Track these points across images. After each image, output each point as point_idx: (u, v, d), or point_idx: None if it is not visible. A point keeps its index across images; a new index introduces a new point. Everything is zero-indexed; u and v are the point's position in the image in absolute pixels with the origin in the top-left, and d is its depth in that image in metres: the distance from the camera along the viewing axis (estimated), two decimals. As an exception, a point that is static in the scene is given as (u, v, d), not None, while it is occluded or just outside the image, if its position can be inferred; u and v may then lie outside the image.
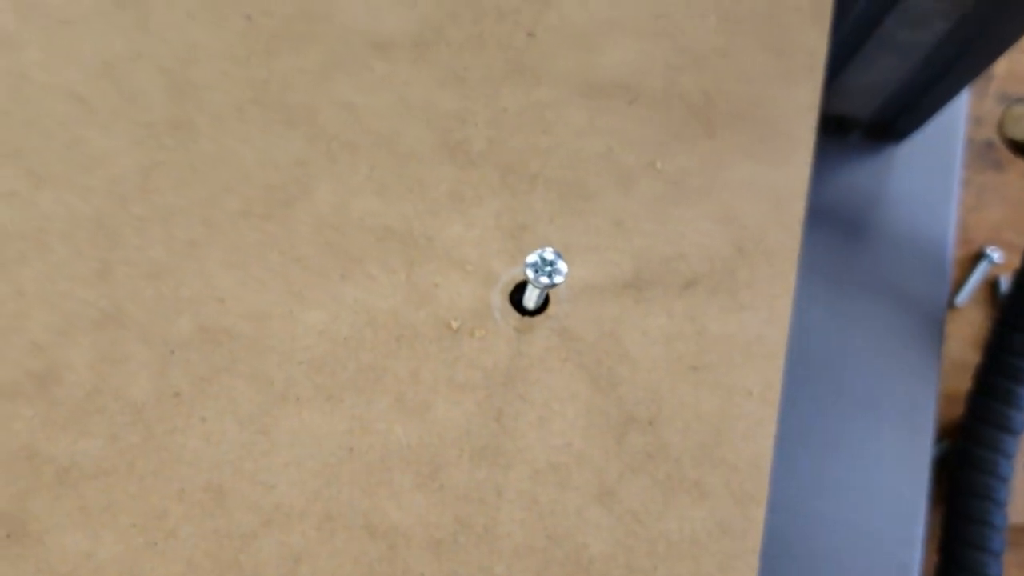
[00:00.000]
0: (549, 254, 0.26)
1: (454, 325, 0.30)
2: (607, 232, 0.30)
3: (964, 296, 0.46)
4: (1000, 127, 0.48)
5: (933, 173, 0.45)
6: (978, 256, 0.47)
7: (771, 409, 0.29)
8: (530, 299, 0.29)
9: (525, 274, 0.26)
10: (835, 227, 0.44)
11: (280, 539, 0.28)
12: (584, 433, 0.29)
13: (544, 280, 0.26)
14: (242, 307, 0.29)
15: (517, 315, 0.30)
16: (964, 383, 0.44)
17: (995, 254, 0.46)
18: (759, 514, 0.28)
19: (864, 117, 0.43)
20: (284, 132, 0.31)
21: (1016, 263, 0.41)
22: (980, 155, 0.48)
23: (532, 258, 0.26)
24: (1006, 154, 0.49)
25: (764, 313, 0.30)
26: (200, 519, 0.28)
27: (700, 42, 0.32)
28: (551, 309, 0.30)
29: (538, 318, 0.30)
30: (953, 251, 0.45)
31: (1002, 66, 0.50)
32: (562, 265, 0.26)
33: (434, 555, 0.28)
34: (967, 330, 0.46)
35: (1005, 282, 0.46)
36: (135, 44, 0.31)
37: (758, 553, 0.28)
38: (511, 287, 0.30)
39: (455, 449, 0.29)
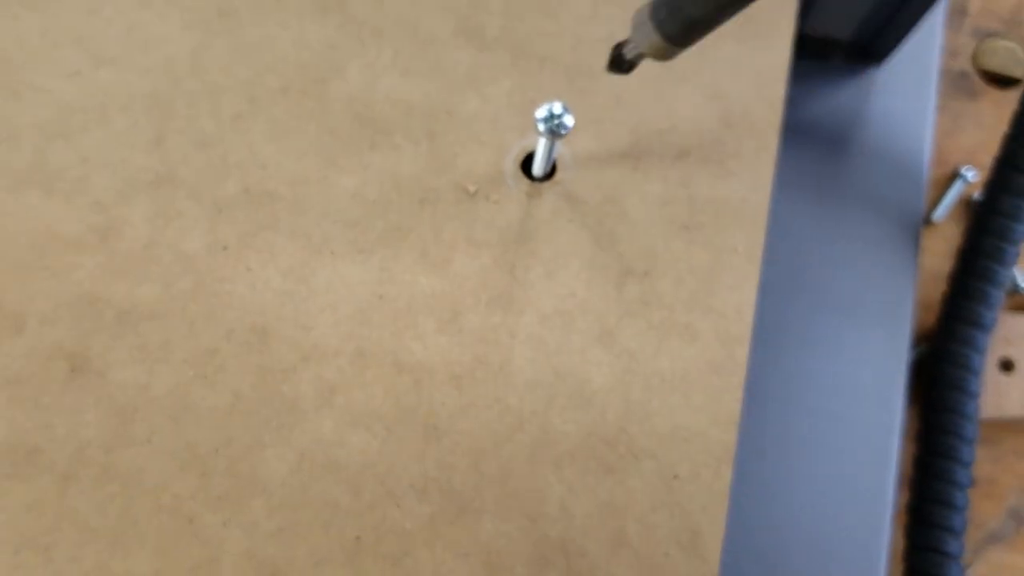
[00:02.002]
0: (557, 108, 0.29)
1: (471, 190, 0.33)
2: (608, 107, 0.34)
3: (941, 212, 0.49)
4: (975, 59, 0.52)
5: (910, 97, 0.49)
6: (954, 176, 0.50)
7: (754, 264, 0.33)
8: (539, 166, 0.32)
9: (535, 127, 0.30)
10: (819, 144, 0.48)
11: (317, 373, 0.31)
12: (587, 284, 0.32)
13: (553, 131, 0.29)
14: (282, 172, 0.33)
15: (528, 181, 0.33)
16: (940, 293, 0.47)
17: (969, 173, 0.50)
18: (743, 354, 0.32)
19: (844, 38, 0.47)
20: (318, 19, 0.34)
21: (989, 183, 0.45)
22: (955, 84, 0.52)
23: (542, 112, 0.29)
24: (979, 84, 0.52)
25: (749, 180, 0.33)
26: (246, 356, 0.31)
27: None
28: (557, 176, 0.33)
29: (546, 184, 0.33)
30: (930, 169, 0.48)
31: (976, 3, 0.53)
32: (568, 119, 0.29)
33: (455, 388, 0.31)
34: (943, 244, 0.50)
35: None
36: (185, -59, 0.35)
37: (742, 388, 0.31)
38: (522, 157, 0.33)
39: (473, 297, 0.32)
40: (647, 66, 0.33)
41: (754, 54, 0.34)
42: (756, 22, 0.34)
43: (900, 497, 0.45)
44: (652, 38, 0.26)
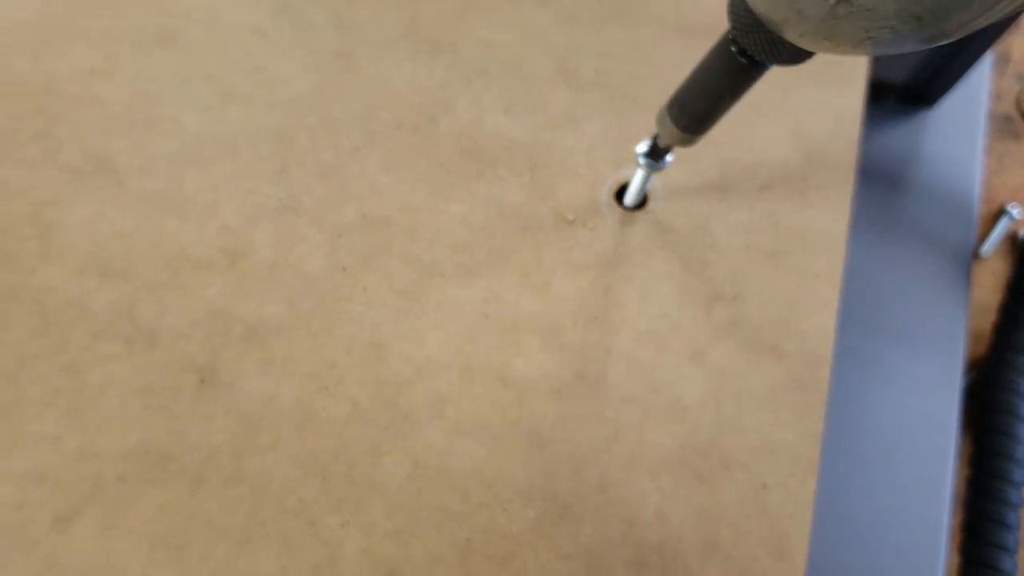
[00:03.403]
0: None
1: (570, 217, 0.36)
2: (698, 144, 0.36)
3: (989, 246, 0.52)
4: (1018, 102, 0.55)
5: (960, 138, 0.51)
6: (1000, 213, 0.53)
7: (834, 289, 0.35)
8: (633, 196, 0.35)
9: (636, 160, 0.32)
10: (875, 182, 0.50)
11: (429, 386, 0.33)
12: (678, 306, 0.35)
13: (651, 165, 0.32)
14: (397, 200, 0.36)
15: (621, 210, 0.36)
16: (989, 324, 0.50)
17: (1015, 211, 0.52)
18: (825, 374, 0.34)
19: (899, 82, 0.50)
20: (429, 61, 0.37)
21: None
22: (1000, 127, 0.54)
23: (642, 147, 0.32)
24: (1023, 126, 0.55)
25: (829, 211, 0.36)
26: (364, 368, 0.33)
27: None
28: (649, 205, 0.36)
29: (638, 213, 0.36)
30: (979, 206, 0.51)
31: (1019, 50, 0.56)
32: (668, 154, 0.32)
33: (555, 401, 0.33)
34: (990, 278, 0.52)
35: (1024, 236, 0.52)
36: (306, -11, 0.38)
37: (824, 404, 0.34)
38: (616, 188, 0.36)
39: (571, 317, 0.34)
40: (734, 108, 0.36)
41: (832, 98, 0.37)
42: (833, 70, 0.37)
43: (955, 517, 0.47)
44: (671, 130, 0.29)
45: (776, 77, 0.37)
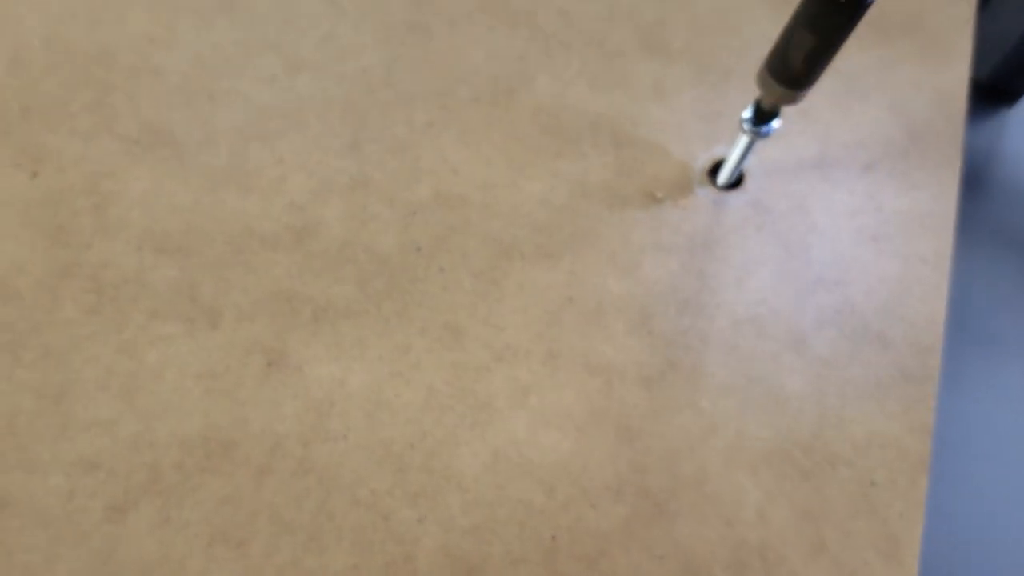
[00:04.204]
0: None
1: (659, 196, 0.33)
2: (794, 120, 0.34)
3: (1071, 249, 0.50)
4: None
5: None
6: (1082, 215, 0.50)
7: (943, 274, 0.33)
8: (730, 170, 0.33)
9: (740, 126, 0.30)
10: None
11: (510, 373, 0.31)
12: (777, 291, 0.32)
13: (757, 132, 0.30)
14: (473, 177, 0.33)
15: (715, 189, 0.34)
16: (1074, 329, 0.47)
17: (1099, 212, 0.50)
18: (935, 363, 0.32)
19: (981, 78, 0.48)
20: (507, 33, 0.35)
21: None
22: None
23: (746, 112, 0.30)
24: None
25: (934, 191, 0.34)
26: (439, 353, 0.31)
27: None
28: (745, 185, 0.34)
29: (733, 192, 0.34)
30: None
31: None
32: (775, 120, 0.30)
33: (646, 390, 0.31)
34: (1074, 282, 0.50)
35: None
36: (378, -43, 0.36)
37: (935, 396, 0.31)
38: (709, 165, 0.34)
39: (662, 302, 0.32)
40: (830, 83, 0.34)
41: (933, 75, 0.35)
42: (936, 44, 0.35)
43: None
44: (773, 88, 0.28)
45: (874, 55, 0.35)
